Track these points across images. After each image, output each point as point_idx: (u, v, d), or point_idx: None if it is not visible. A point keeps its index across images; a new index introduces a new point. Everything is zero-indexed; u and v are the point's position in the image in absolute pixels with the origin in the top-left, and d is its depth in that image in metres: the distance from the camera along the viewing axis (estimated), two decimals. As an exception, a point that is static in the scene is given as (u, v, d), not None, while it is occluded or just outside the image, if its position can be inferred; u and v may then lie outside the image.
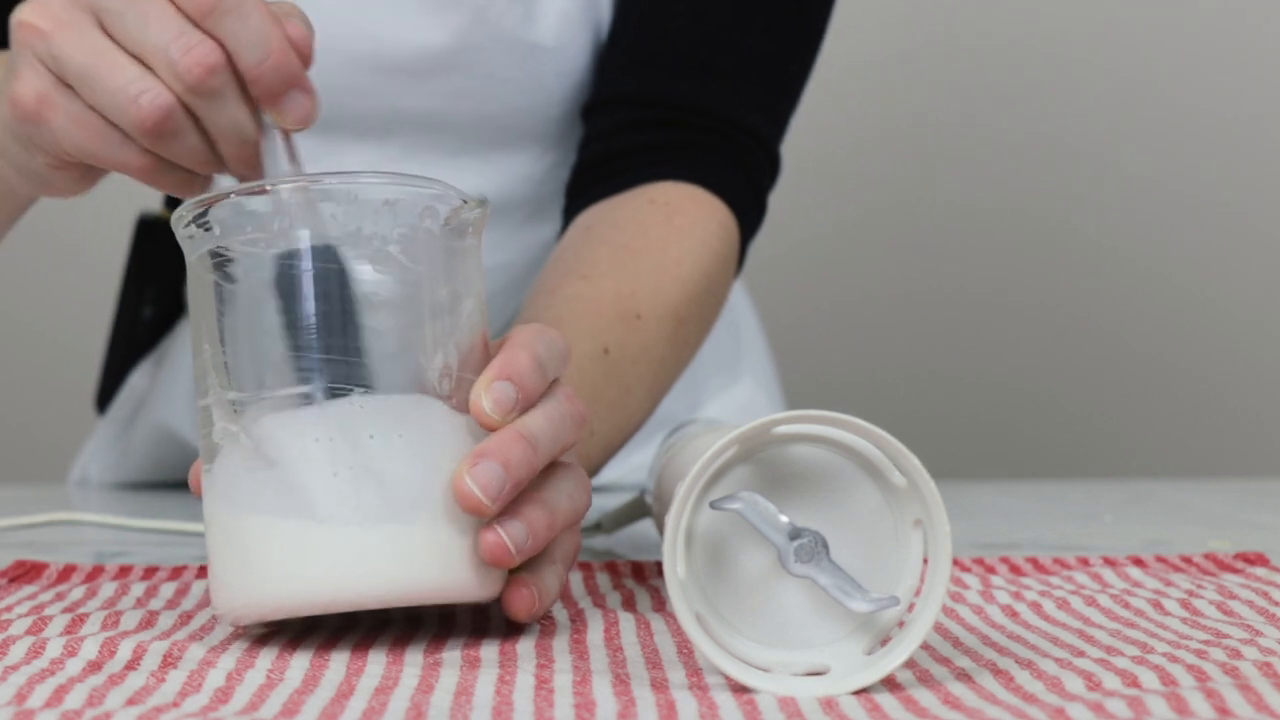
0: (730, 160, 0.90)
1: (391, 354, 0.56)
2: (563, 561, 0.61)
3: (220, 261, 0.57)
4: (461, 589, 0.57)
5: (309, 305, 0.56)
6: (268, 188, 0.56)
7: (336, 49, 0.95)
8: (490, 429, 0.57)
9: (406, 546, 0.55)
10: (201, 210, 0.57)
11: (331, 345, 0.55)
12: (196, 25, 0.58)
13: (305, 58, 0.60)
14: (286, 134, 0.61)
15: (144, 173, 0.61)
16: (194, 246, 0.58)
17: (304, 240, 0.56)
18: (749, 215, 0.91)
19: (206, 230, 0.57)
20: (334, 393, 0.55)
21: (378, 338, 0.56)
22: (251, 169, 0.61)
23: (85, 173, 0.65)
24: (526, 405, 0.58)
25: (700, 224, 0.86)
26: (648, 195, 0.87)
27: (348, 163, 0.98)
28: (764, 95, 0.92)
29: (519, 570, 0.59)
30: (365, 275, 0.56)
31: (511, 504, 0.57)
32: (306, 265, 0.56)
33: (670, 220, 0.86)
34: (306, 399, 0.55)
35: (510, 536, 0.56)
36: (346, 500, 0.55)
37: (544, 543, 0.58)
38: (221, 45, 0.58)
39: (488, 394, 0.57)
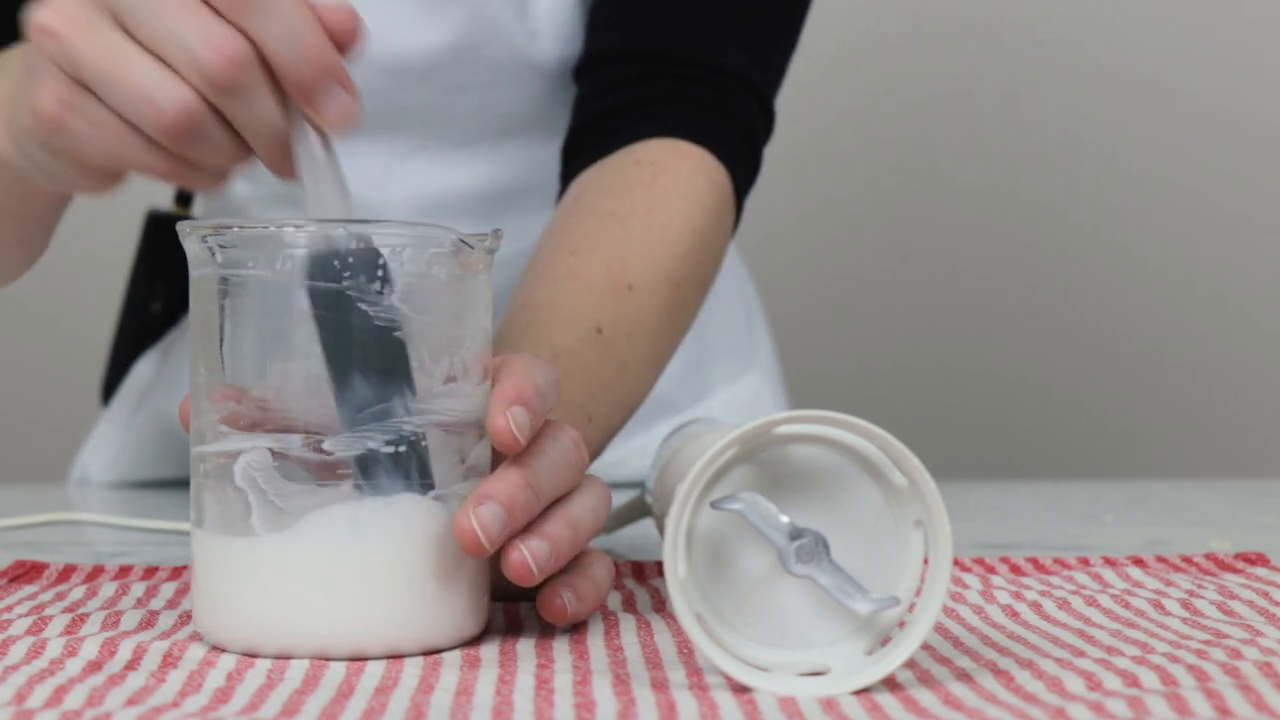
0: (718, 109, 0.88)
1: (384, 404, 0.55)
2: (607, 574, 0.62)
3: (223, 289, 0.56)
4: (450, 634, 0.57)
5: (305, 352, 0.54)
6: (271, 226, 0.55)
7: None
8: (510, 450, 0.57)
9: (390, 596, 0.56)
10: (207, 234, 0.56)
11: (323, 393, 0.55)
12: (221, 17, 0.55)
13: (344, 45, 0.56)
14: (320, 129, 0.57)
15: (171, 175, 0.58)
16: (198, 264, 0.57)
17: (307, 283, 0.54)
18: (742, 166, 0.88)
19: (211, 254, 0.56)
20: (321, 442, 0.55)
21: (373, 385, 0.55)
22: (286, 167, 0.57)
23: (113, 174, 0.62)
24: (535, 431, 0.58)
25: (686, 180, 0.84)
26: (633, 156, 0.85)
27: (357, 159, 0.97)
28: (752, 41, 0.90)
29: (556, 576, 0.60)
30: (366, 324, 0.54)
31: (538, 519, 0.58)
32: (307, 308, 0.54)
33: (656, 180, 0.83)
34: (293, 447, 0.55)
35: (533, 555, 0.57)
36: (332, 539, 0.55)
37: (567, 560, 0.59)
38: (248, 37, 0.55)
39: (511, 417, 0.57)
